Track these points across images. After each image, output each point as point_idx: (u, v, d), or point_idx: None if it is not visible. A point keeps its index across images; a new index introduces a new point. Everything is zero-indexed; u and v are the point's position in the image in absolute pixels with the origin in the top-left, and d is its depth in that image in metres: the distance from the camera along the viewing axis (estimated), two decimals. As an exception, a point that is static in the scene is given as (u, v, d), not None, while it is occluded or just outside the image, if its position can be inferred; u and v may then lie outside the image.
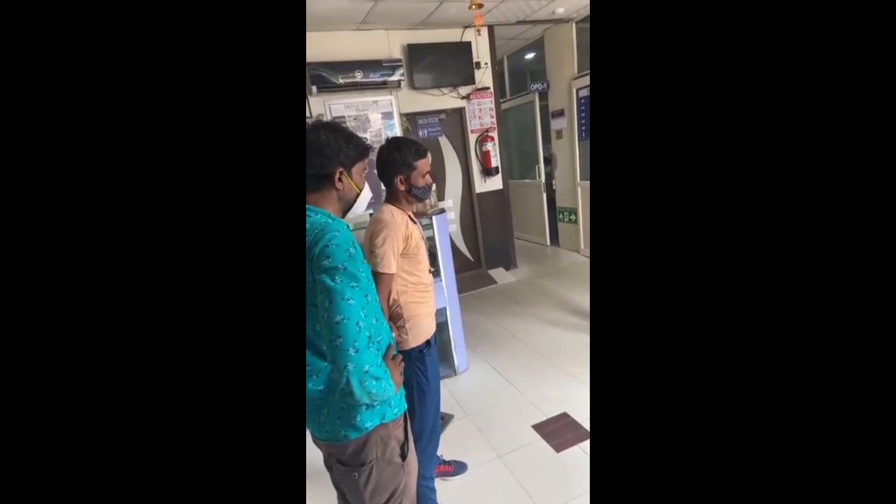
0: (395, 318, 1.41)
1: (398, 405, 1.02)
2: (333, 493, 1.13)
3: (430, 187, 1.46)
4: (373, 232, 1.35)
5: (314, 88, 3.38)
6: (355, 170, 1.00)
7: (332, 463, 1.03)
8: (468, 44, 3.84)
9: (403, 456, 1.02)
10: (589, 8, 3.81)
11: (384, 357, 0.97)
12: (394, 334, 1.35)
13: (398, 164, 1.37)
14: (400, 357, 1.05)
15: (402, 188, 1.40)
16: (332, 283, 0.83)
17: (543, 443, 1.94)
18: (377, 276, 1.30)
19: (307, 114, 3.42)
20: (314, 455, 1.08)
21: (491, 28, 3.96)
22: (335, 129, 0.98)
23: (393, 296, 1.39)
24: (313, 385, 0.95)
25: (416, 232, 1.44)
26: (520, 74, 5.71)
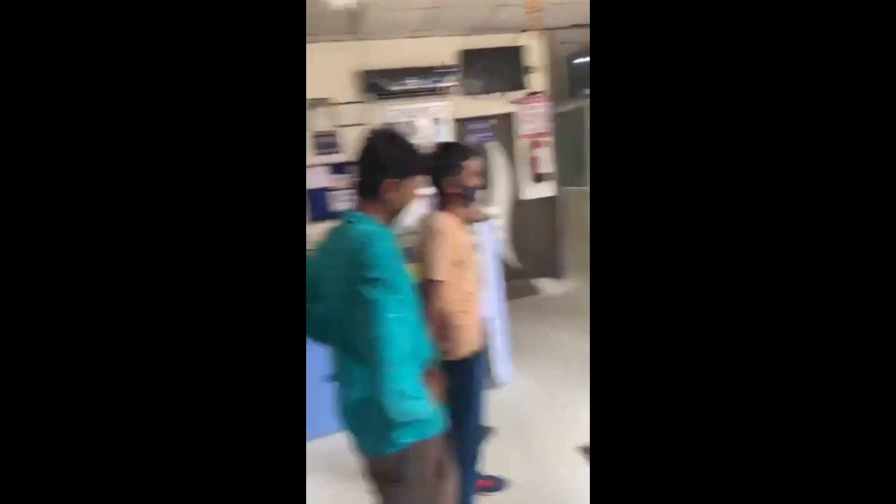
0: (442, 327, 1.39)
1: (437, 423, 0.98)
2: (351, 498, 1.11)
3: (480, 188, 1.43)
4: (425, 239, 1.33)
5: (368, 96, 3.45)
6: (407, 184, 0.98)
7: (369, 475, 1.01)
8: (521, 48, 3.78)
9: (441, 475, 0.99)
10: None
11: (424, 373, 0.94)
12: (440, 345, 1.33)
13: (445, 169, 1.36)
14: (441, 374, 1.02)
15: (453, 192, 1.39)
16: (372, 296, 0.82)
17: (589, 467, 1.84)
18: (429, 284, 1.29)
19: (367, 121, 3.50)
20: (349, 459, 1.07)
21: (546, 32, 3.89)
22: (393, 139, 0.97)
23: (442, 305, 1.37)
24: (355, 394, 0.94)
25: (467, 239, 1.41)
26: (580, 78, 5.52)
